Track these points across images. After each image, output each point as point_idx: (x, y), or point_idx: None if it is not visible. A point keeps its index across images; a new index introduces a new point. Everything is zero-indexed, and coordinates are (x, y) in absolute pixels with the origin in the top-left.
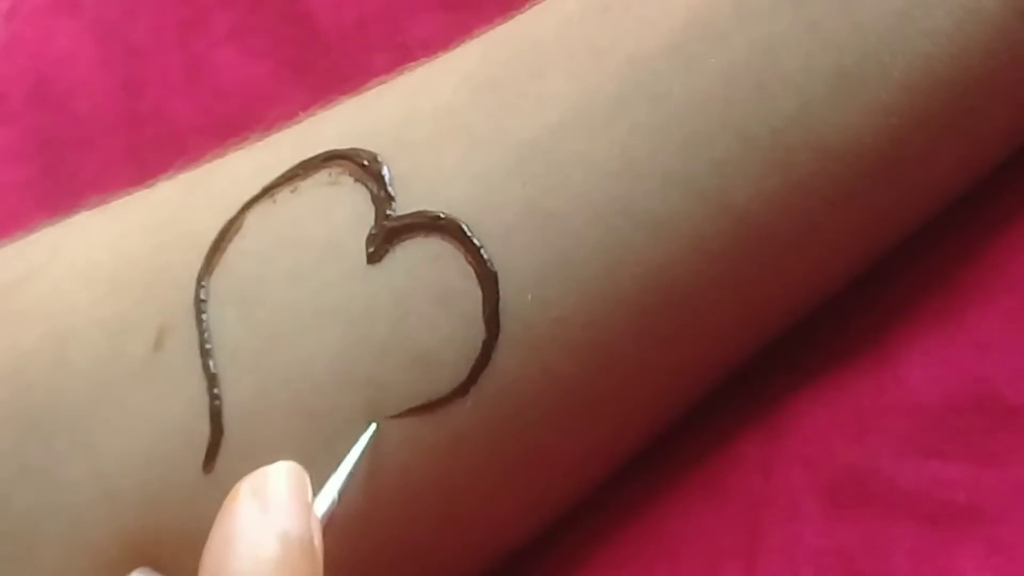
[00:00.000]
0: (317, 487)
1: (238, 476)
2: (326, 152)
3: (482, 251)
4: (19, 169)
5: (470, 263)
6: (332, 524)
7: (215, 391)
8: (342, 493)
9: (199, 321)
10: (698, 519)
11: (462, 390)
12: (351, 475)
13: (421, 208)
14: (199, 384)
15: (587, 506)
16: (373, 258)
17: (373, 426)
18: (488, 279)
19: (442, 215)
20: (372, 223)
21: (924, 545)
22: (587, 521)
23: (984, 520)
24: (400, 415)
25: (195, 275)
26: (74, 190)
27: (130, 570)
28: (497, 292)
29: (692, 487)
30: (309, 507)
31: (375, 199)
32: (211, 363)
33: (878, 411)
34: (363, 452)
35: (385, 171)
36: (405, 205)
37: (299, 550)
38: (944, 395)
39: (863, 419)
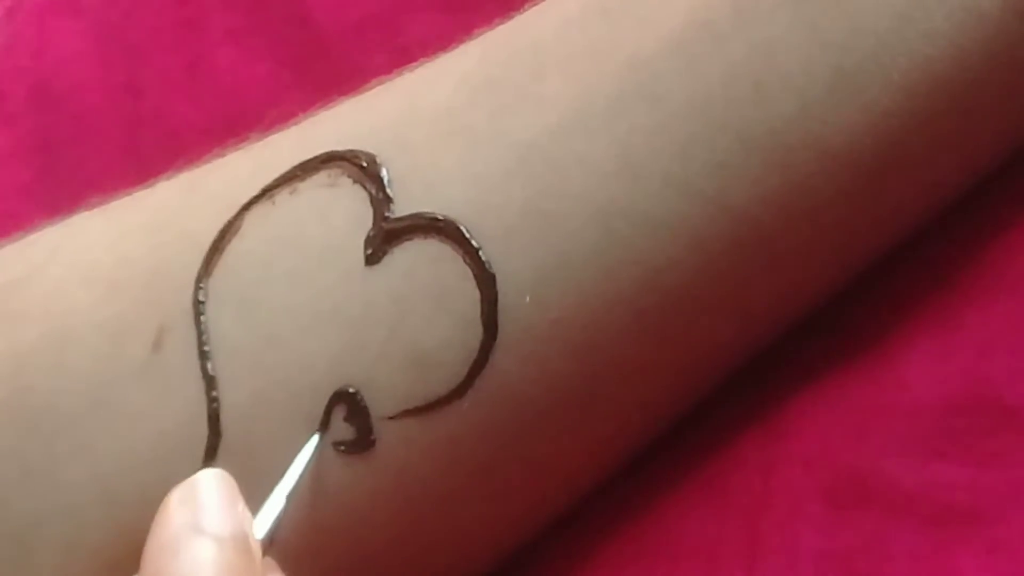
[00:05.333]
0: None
1: (237, 477)
2: (325, 153)
3: (480, 252)
4: (19, 169)
5: (468, 264)
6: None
7: (213, 393)
8: (290, 498)
9: (198, 322)
10: (698, 519)
11: (460, 391)
12: (298, 482)
13: (420, 209)
14: (197, 386)
15: (587, 507)
16: (371, 260)
17: (315, 438)
18: (486, 280)
19: (440, 216)
20: (371, 224)
21: (924, 545)
22: (587, 522)
23: (984, 521)
24: (397, 416)
25: (194, 276)
26: (74, 190)
27: (130, 571)
28: (496, 293)
29: (692, 487)
30: (239, 509)
31: (374, 200)
32: (209, 365)
33: (878, 411)
34: (311, 458)
35: (384, 172)
36: (404, 206)
37: (233, 549)
38: (944, 395)
39: (863, 419)
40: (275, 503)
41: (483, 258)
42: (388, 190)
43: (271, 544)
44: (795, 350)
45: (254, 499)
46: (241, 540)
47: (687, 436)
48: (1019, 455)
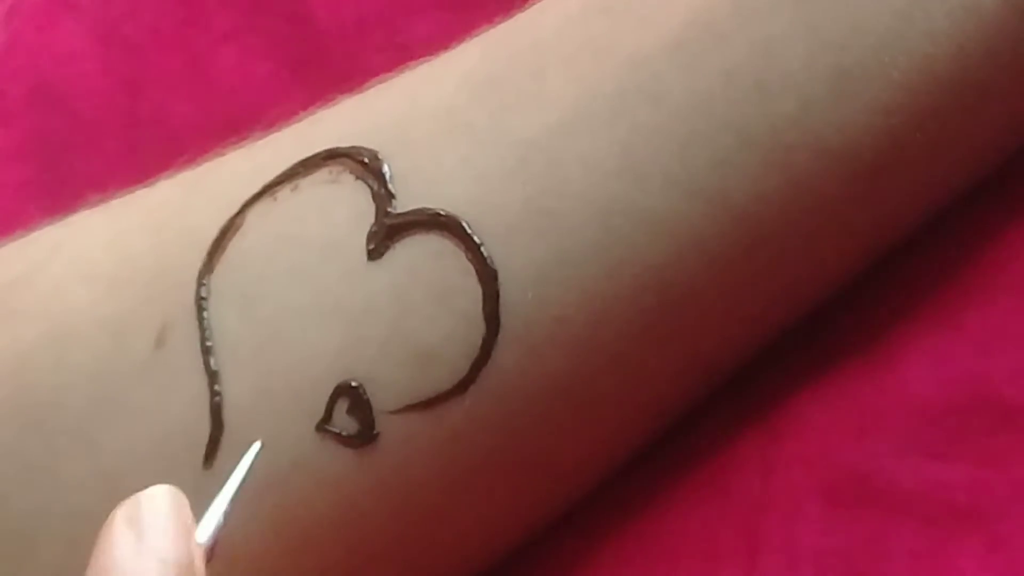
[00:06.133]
0: None
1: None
2: (326, 150)
3: (482, 248)
4: (19, 169)
5: (470, 260)
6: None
7: (216, 388)
8: (227, 515)
9: (200, 319)
10: (698, 519)
11: (462, 387)
12: (235, 496)
13: (422, 206)
14: (200, 381)
15: (587, 506)
16: (374, 255)
17: (257, 445)
18: (488, 277)
19: (442, 212)
20: (372, 220)
21: (924, 545)
22: (587, 521)
23: (984, 520)
24: (399, 411)
25: (196, 273)
26: (74, 190)
27: None
28: (497, 290)
29: (692, 487)
30: (188, 530)
31: (376, 197)
32: (212, 360)
33: (878, 411)
34: (247, 473)
35: (386, 169)
36: (405, 203)
37: (177, 573)
38: (944, 395)
39: (863, 419)
40: (215, 514)
41: (485, 254)
42: (390, 186)
43: (210, 559)
44: (795, 350)
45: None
46: (186, 565)
47: (687, 436)
48: (1019, 455)
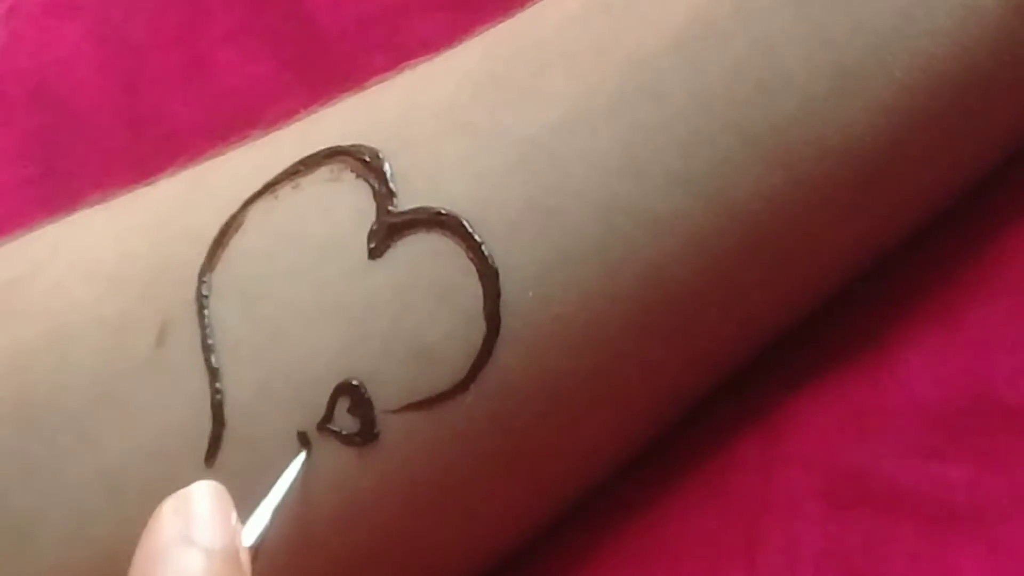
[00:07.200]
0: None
1: (239, 469)
2: (328, 148)
3: (483, 247)
4: (19, 169)
5: (471, 259)
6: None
7: (216, 385)
8: (275, 515)
9: (201, 317)
10: (698, 519)
11: (462, 386)
12: (284, 498)
13: (423, 204)
14: (201, 379)
15: (587, 506)
16: (374, 254)
17: (303, 454)
18: (489, 275)
19: (443, 211)
20: (374, 219)
21: (924, 545)
22: (587, 521)
23: (984, 521)
24: (400, 410)
25: (197, 271)
26: (74, 190)
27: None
28: (498, 288)
29: (692, 487)
30: (231, 523)
31: (376, 195)
32: (213, 358)
33: (878, 411)
34: (297, 476)
35: (387, 167)
36: (406, 201)
37: (223, 562)
38: (944, 395)
39: (863, 419)
40: (261, 518)
41: (486, 253)
42: (391, 184)
43: (255, 559)
44: (795, 350)
45: (256, 493)
46: (231, 554)
47: (687, 436)
48: (1019, 455)
